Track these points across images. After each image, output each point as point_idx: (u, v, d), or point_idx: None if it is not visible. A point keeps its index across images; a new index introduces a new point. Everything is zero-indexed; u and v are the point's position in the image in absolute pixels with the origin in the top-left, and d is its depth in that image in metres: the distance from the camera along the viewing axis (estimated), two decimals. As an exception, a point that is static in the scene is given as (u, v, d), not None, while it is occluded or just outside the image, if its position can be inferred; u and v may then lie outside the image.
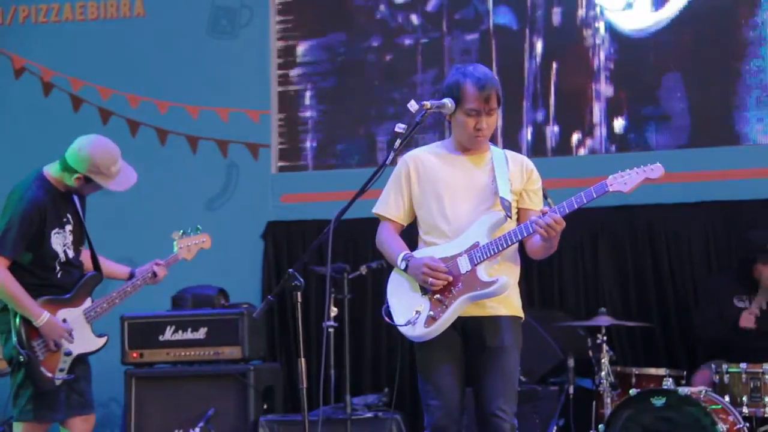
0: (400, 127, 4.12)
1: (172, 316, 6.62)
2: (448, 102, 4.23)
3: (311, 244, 4.50)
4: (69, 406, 4.90)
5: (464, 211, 4.21)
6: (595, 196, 4.10)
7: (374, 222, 6.80)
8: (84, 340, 4.93)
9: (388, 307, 4.27)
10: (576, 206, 4.08)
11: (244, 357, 6.49)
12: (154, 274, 5.13)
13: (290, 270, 4.18)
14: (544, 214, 4.07)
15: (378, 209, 4.41)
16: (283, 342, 7.33)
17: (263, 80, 7.70)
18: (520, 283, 4.32)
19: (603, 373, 5.91)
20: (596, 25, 7.26)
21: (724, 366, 5.83)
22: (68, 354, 4.87)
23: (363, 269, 6.15)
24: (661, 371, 5.98)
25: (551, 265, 6.81)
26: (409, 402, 6.97)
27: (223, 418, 6.30)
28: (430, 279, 4.11)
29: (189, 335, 6.54)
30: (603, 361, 5.92)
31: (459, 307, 4.13)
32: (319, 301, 6.55)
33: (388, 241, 4.33)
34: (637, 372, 6.03)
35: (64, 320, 4.86)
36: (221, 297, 6.86)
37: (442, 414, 4.16)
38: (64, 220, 4.96)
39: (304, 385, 4.18)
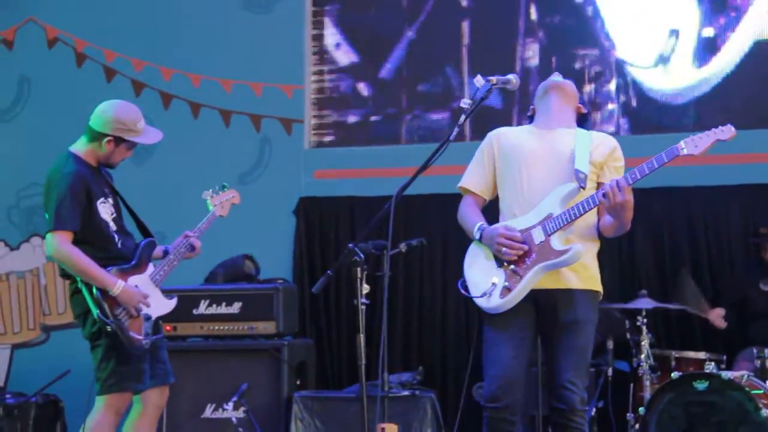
0: (465, 103, 4.14)
1: (206, 290, 6.57)
2: (513, 78, 4.25)
3: (372, 220, 4.45)
4: (154, 375, 4.90)
5: (541, 182, 4.23)
6: (666, 160, 4.08)
7: (415, 200, 6.86)
8: (158, 304, 4.92)
9: (464, 279, 4.28)
10: (647, 171, 4.07)
11: (278, 332, 6.44)
12: (192, 247, 5.07)
13: (350, 245, 4.19)
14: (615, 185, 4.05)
15: (462, 183, 4.47)
16: (313, 318, 7.29)
17: (297, 55, 7.65)
18: None
19: (643, 356, 5.84)
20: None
21: (766, 351, 5.76)
22: (148, 318, 4.85)
23: (402, 247, 6.10)
24: (701, 355, 5.94)
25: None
26: (440, 381, 6.95)
27: (257, 393, 6.25)
28: (504, 249, 4.13)
29: (223, 309, 6.48)
30: (643, 343, 5.85)
31: (534, 278, 4.13)
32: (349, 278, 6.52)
33: (468, 213, 4.38)
34: (676, 355, 5.98)
35: (136, 286, 4.83)
36: (250, 263, 6.82)
37: (499, 385, 4.16)
38: (106, 191, 4.92)
39: (363, 362, 4.14)
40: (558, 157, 4.26)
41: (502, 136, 4.43)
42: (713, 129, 4.10)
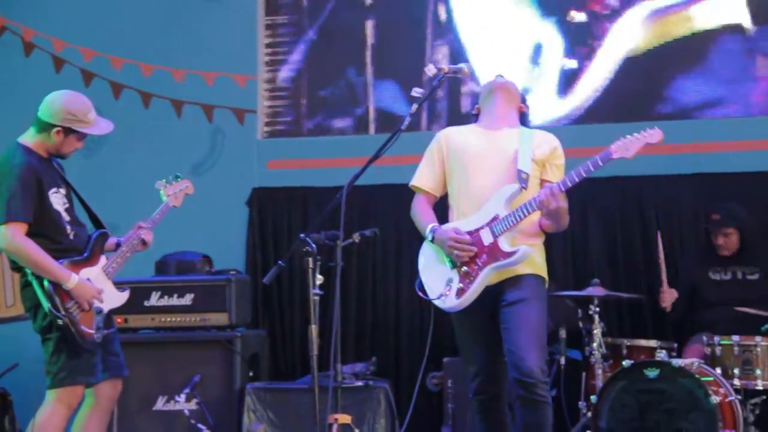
0: (417, 92, 4.21)
1: (158, 282, 6.52)
2: (464, 66, 4.39)
3: (323, 210, 4.48)
4: (106, 368, 4.85)
5: (487, 182, 4.40)
6: (601, 164, 4.27)
7: (368, 190, 6.84)
8: (110, 297, 4.88)
9: (421, 282, 4.46)
10: (584, 175, 4.27)
11: (230, 324, 6.41)
12: (144, 242, 5.02)
13: (301, 235, 4.19)
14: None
15: (413, 182, 4.63)
16: (267, 309, 7.26)
17: (250, 45, 7.60)
18: None
19: (595, 345, 5.87)
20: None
21: (716, 338, 5.81)
22: (99, 312, 4.80)
23: (356, 237, 6.08)
24: (653, 343, 5.97)
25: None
26: (393, 371, 6.95)
27: (209, 385, 6.23)
28: (456, 252, 4.32)
29: (175, 301, 6.44)
30: (595, 332, 5.88)
31: (485, 278, 4.33)
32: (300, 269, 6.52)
33: (420, 213, 4.56)
34: (628, 344, 6.00)
35: (88, 279, 4.77)
36: (205, 264, 6.77)
37: (482, 379, 4.40)
38: (58, 181, 4.86)
39: (315, 353, 4.16)
40: (502, 157, 4.42)
41: (449, 135, 4.58)
42: (643, 132, 4.30)
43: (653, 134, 4.30)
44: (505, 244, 4.32)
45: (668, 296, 6.25)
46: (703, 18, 7.00)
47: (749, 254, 6.28)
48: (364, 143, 7.02)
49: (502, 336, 4.33)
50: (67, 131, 4.81)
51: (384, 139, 4.38)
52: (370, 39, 7.42)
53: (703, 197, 6.71)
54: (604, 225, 6.93)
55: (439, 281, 4.39)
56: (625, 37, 7.08)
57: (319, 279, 5.66)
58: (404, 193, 7.02)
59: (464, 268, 4.34)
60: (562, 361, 6.14)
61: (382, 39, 7.42)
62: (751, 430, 5.63)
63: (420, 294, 4.44)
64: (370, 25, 7.45)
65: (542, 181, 4.45)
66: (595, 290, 5.98)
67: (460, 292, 4.34)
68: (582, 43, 7.17)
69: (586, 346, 5.96)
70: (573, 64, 7.12)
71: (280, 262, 4.35)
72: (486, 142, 4.48)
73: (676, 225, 6.81)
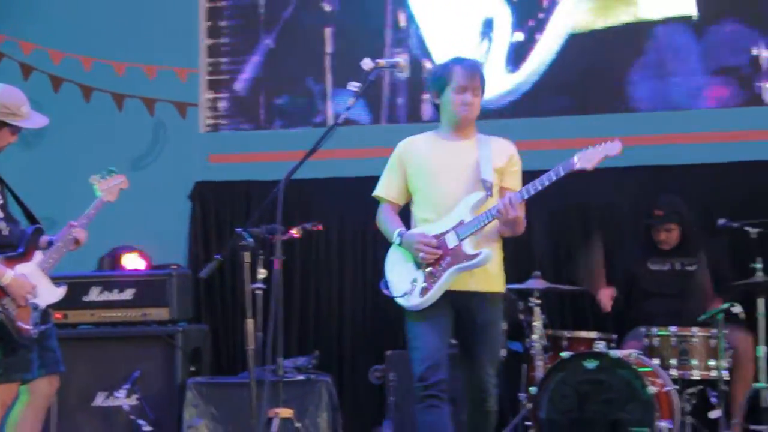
0: (353, 86, 4.28)
1: (97, 277, 6.48)
2: (401, 60, 4.61)
3: (263, 204, 4.51)
4: (42, 364, 4.80)
5: (452, 191, 4.60)
6: (562, 173, 4.52)
7: (313, 183, 6.84)
8: (46, 292, 4.82)
9: (386, 280, 4.67)
10: (540, 188, 4.51)
11: (172, 318, 6.38)
12: (77, 241, 4.97)
13: (238, 229, 4.20)
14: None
15: (377, 192, 4.80)
16: (209, 304, 7.23)
17: (191, 38, 7.54)
18: None
19: (535, 337, 5.91)
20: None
21: (654, 329, 5.88)
22: (35, 307, 4.74)
23: (297, 231, 6.07)
24: (592, 335, 6.02)
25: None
26: (336, 365, 6.95)
27: (150, 380, 6.20)
28: (422, 253, 4.53)
29: (115, 296, 6.41)
30: (535, 324, 5.92)
31: (449, 278, 4.54)
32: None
33: (387, 221, 4.74)
34: (568, 335, 6.05)
35: (23, 275, 4.72)
36: (142, 259, 6.74)
37: (427, 366, 4.53)
38: None
39: (252, 347, 4.18)
40: (464, 167, 4.61)
41: (410, 145, 4.75)
42: (603, 144, 4.52)
43: (613, 147, 4.52)
44: (468, 248, 4.53)
45: (605, 295, 6.31)
46: (650, 6, 7.03)
47: (688, 246, 6.34)
48: (308, 136, 6.97)
49: (466, 349, 4.64)
50: (0, 125, 4.75)
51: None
52: (329, 47, 7.39)
53: (643, 189, 6.76)
54: (546, 217, 6.96)
55: (404, 280, 4.61)
56: (570, 14, 7.11)
57: (262, 273, 5.66)
58: (348, 187, 7.07)
59: (429, 269, 4.56)
60: (504, 353, 6.16)
61: (342, 46, 7.38)
62: (687, 419, 5.70)
63: (385, 292, 4.65)
64: (329, 33, 7.42)
65: (501, 189, 4.66)
66: (536, 283, 6.02)
67: (424, 291, 4.55)
68: (530, 16, 7.17)
69: (526, 338, 6.00)
70: (520, 37, 7.13)
71: (216, 256, 4.35)
72: (447, 153, 4.65)
73: (616, 217, 6.86)
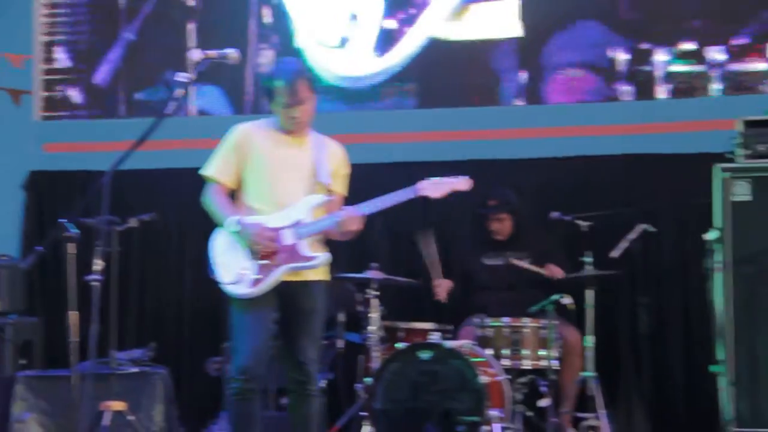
0: (182, 77, 4.22)
1: None
2: (232, 52, 4.50)
3: (86, 194, 4.40)
4: None
5: (291, 188, 4.62)
6: (405, 198, 4.70)
7: (145, 174, 6.73)
8: None
9: (213, 263, 4.64)
10: (389, 206, 4.66)
11: (2, 311, 6.19)
12: None
13: (61, 220, 4.11)
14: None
15: (208, 171, 4.71)
16: (44, 295, 7.05)
17: (26, 24, 7.34)
18: None
19: (372, 328, 5.96)
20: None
21: (487, 320, 6.00)
22: None
23: (134, 222, 5.98)
24: (428, 326, 6.10)
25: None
26: (174, 357, 6.88)
27: (-22, 374, 6.00)
28: (259, 246, 4.53)
29: (-58, 288, 6.19)
30: (372, 315, 5.97)
31: (281, 274, 4.56)
32: (81, 254, 6.36)
33: (220, 204, 4.66)
34: (404, 326, 6.13)
35: None
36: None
37: (250, 360, 4.54)
38: None
39: (74, 339, 4.08)
40: (303, 167, 4.66)
41: (251, 135, 4.70)
42: (454, 179, 4.74)
43: (462, 182, 4.75)
44: (305, 249, 4.58)
45: (440, 286, 6.41)
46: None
47: (521, 239, 6.49)
48: (145, 126, 6.88)
49: (290, 336, 4.64)
50: None
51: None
52: (191, 41, 7.28)
53: (480, 183, 6.87)
54: (385, 210, 7.01)
55: (235, 268, 4.58)
56: (432, 20, 7.18)
57: (98, 264, 5.56)
58: (187, 178, 6.96)
59: (263, 261, 4.55)
60: (341, 344, 6.21)
61: (205, 41, 7.26)
62: (518, 407, 5.84)
63: (213, 276, 4.62)
64: (192, 28, 7.32)
65: (329, 191, 4.70)
66: (373, 274, 6.07)
67: (255, 282, 4.55)
68: (403, 7, 7.22)
69: (364, 329, 6.05)
70: (392, 24, 7.18)
71: (37, 248, 4.25)
72: (288, 150, 4.66)
73: (450, 210, 6.95)
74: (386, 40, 7.20)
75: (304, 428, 4.66)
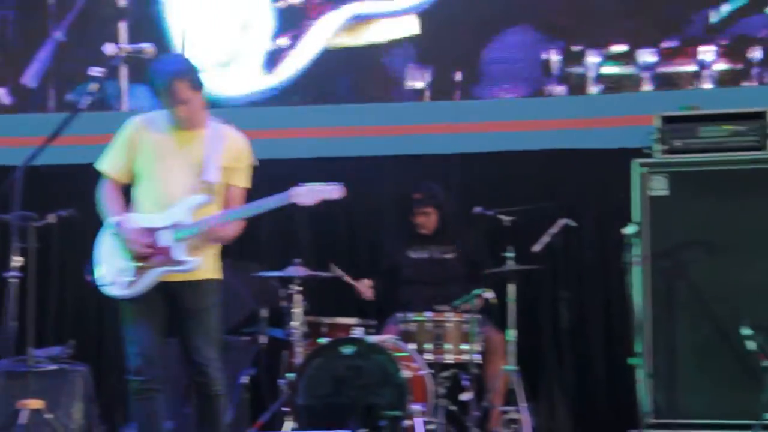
0: (95, 71, 4.18)
1: None
2: (148, 46, 4.52)
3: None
4: None
5: (175, 186, 4.52)
6: (275, 206, 4.56)
7: (67, 170, 6.63)
8: None
9: (92, 262, 4.62)
10: (258, 213, 4.53)
11: None
12: None
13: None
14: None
15: (101, 166, 4.66)
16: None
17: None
18: None
19: (296, 323, 5.94)
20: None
21: (410, 315, 6.02)
22: None
23: (52, 217, 5.89)
24: (352, 321, 6.10)
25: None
26: (95, 355, 6.80)
27: None
28: (134, 248, 4.49)
29: None
30: (296, 311, 5.95)
31: (156, 276, 4.52)
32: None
33: (108, 200, 4.63)
34: (328, 322, 6.12)
35: None
36: None
37: (142, 361, 4.55)
38: None
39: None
40: (191, 164, 4.54)
41: (140, 129, 4.61)
42: (326, 186, 4.63)
43: (334, 191, 4.64)
44: (179, 252, 4.50)
45: (364, 289, 6.43)
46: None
47: (446, 234, 6.52)
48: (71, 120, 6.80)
49: (183, 336, 4.58)
50: None
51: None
52: (122, 40, 7.18)
53: (403, 179, 6.90)
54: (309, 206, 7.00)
55: (113, 269, 4.55)
56: (327, 30, 7.20)
57: (17, 261, 5.47)
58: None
59: (139, 263, 4.51)
60: (264, 340, 6.19)
61: (136, 41, 7.13)
62: (441, 401, 5.86)
63: (87, 277, 4.64)
64: (123, 27, 7.22)
65: (228, 186, 4.61)
66: (297, 270, 6.05)
67: (131, 284, 4.52)
68: (293, 25, 7.20)
69: (287, 324, 6.03)
70: (283, 42, 7.15)
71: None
72: (178, 144, 4.57)
73: (375, 205, 6.97)
74: (275, 58, 7.20)
75: (209, 428, 4.61)
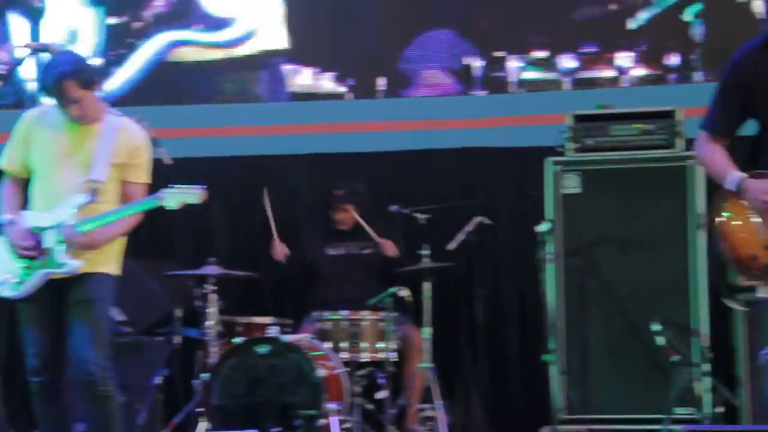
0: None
1: None
2: (53, 43, 4.47)
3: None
4: None
5: (63, 185, 4.42)
6: (148, 208, 4.44)
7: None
8: None
9: None
10: (123, 215, 4.41)
11: None
12: None
13: None
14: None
15: (1, 162, 4.58)
16: None
17: None
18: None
19: (210, 323, 5.89)
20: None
21: (326, 313, 6.00)
22: None
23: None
24: (267, 320, 6.06)
25: (161, 214, 6.68)
26: (2, 357, 6.68)
27: None
28: (17, 248, 4.41)
29: None
30: (210, 310, 5.90)
31: (41, 280, 4.42)
32: None
33: (4, 197, 4.53)
34: (243, 321, 6.07)
35: None
36: None
37: (38, 360, 4.46)
38: None
39: None
40: (80, 162, 4.44)
41: (34, 124, 4.52)
42: (189, 189, 4.45)
43: (195, 195, 4.47)
44: (60, 254, 4.40)
45: (279, 249, 6.41)
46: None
47: (364, 230, 6.51)
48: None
49: (67, 335, 4.43)
50: None
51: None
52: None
53: (322, 178, 6.89)
54: (226, 204, 6.96)
55: (3, 269, 4.47)
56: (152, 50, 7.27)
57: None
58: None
59: (25, 264, 4.43)
60: (178, 340, 6.12)
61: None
62: (356, 400, 5.85)
63: None
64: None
65: (124, 182, 4.50)
66: (211, 269, 5.99)
67: (18, 285, 4.43)
68: (119, 43, 7.23)
69: (202, 324, 5.97)
70: (98, 61, 7.08)
71: None
72: (70, 140, 4.46)
73: (292, 203, 6.95)
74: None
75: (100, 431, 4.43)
